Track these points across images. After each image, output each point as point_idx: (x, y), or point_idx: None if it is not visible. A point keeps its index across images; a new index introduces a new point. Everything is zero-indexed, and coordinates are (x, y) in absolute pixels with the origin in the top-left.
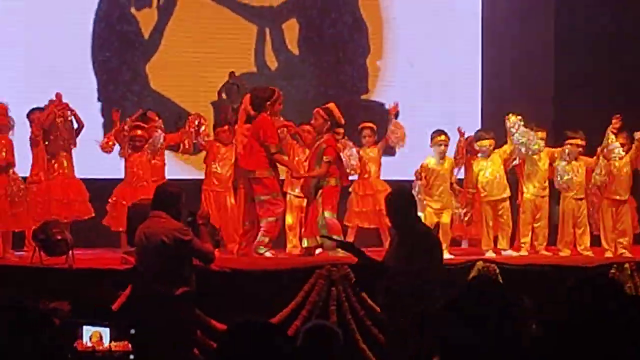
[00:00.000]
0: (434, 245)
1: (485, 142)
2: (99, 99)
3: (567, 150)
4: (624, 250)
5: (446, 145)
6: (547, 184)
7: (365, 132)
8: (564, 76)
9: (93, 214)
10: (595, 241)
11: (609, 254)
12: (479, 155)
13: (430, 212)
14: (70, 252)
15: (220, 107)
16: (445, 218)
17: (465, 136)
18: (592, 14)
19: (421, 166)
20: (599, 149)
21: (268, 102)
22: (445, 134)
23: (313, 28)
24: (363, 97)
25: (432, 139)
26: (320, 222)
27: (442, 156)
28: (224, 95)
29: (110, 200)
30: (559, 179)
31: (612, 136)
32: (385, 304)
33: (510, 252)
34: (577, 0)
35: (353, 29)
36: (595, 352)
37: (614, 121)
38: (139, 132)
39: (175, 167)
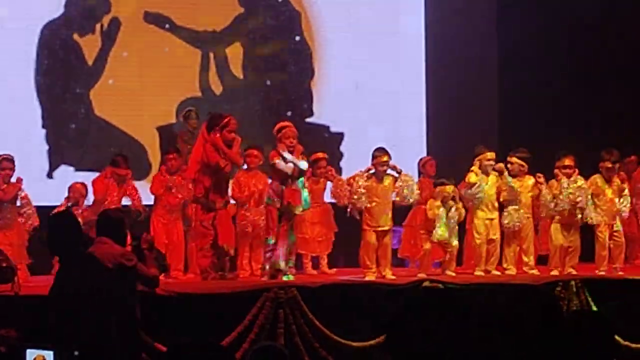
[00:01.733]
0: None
1: (448, 189)
2: (43, 126)
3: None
4: (571, 269)
5: (387, 165)
6: (497, 205)
7: (321, 164)
8: (509, 95)
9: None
10: (540, 260)
11: (554, 272)
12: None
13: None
14: (16, 278)
15: (178, 132)
16: (387, 238)
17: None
18: (534, 31)
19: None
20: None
21: (217, 127)
22: (388, 153)
23: (256, 52)
24: (308, 120)
25: (373, 157)
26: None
27: (382, 176)
28: (181, 119)
29: None
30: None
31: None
32: None
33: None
34: (516, 19)
35: (296, 52)
36: None
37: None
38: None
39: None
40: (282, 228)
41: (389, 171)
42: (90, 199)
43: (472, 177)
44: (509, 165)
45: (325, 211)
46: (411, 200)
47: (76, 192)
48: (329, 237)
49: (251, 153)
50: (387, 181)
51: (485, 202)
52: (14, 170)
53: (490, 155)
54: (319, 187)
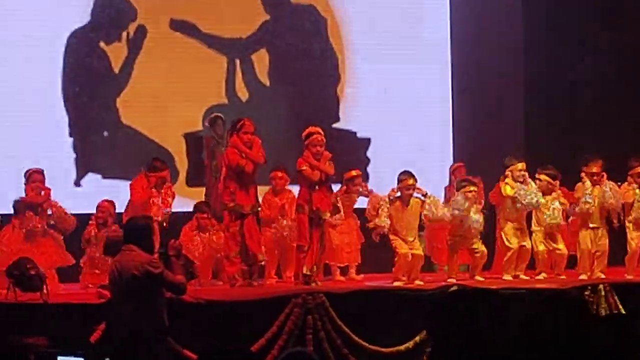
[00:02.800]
0: None
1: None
2: (70, 135)
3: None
4: (600, 273)
5: (414, 189)
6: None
7: (356, 181)
8: (535, 99)
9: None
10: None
11: (583, 277)
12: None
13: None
14: (45, 287)
15: (205, 138)
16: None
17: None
18: (561, 34)
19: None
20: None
21: (235, 130)
22: (414, 177)
23: (283, 58)
24: (334, 125)
25: (399, 181)
26: None
27: (408, 200)
28: (207, 124)
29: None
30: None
31: (587, 182)
32: None
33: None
34: (542, 22)
35: (322, 58)
36: None
37: (594, 169)
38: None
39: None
40: (314, 234)
41: (415, 194)
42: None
43: (507, 190)
44: (537, 182)
45: (352, 222)
46: (440, 215)
47: (105, 211)
48: (356, 248)
49: (276, 175)
50: (413, 204)
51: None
52: (44, 183)
53: (521, 166)
54: (351, 202)
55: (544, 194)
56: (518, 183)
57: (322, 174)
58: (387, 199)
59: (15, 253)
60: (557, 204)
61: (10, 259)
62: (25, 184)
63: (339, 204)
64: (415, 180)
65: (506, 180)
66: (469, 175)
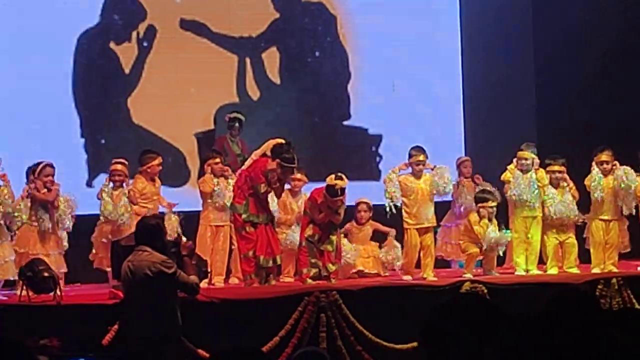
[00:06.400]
0: None
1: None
2: (82, 135)
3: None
4: (611, 267)
5: (424, 165)
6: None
7: (360, 207)
8: (546, 93)
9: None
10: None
11: (596, 270)
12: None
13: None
14: (58, 288)
15: (217, 137)
16: (429, 238)
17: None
18: (571, 26)
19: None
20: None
21: (279, 161)
22: (424, 152)
23: (293, 56)
24: (345, 123)
25: (410, 156)
26: None
27: (420, 175)
28: (226, 119)
29: (92, 239)
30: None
31: (596, 168)
32: None
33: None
34: (554, 14)
35: (333, 56)
36: None
37: (603, 157)
38: (119, 167)
39: (173, 196)
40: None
41: (426, 171)
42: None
43: (507, 175)
44: (552, 175)
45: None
46: (446, 191)
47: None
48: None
49: (294, 177)
50: (425, 179)
51: (526, 200)
52: (54, 177)
53: (527, 154)
54: (365, 234)
55: (553, 185)
56: (517, 171)
57: (328, 219)
58: (397, 170)
59: (25, 255)
60: (569, 196)
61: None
62: (35, 178)
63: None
64: (426, 156)
65: (509, 166)
66: (476, 169)
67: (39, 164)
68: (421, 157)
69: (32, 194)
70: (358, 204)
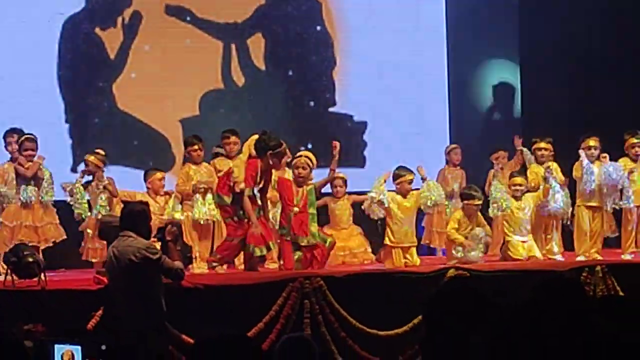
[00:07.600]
0: None
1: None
2: (66, 121)
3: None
4: (596, 255)
5: (410, 183)
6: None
7: (336, 182)
8: (532, 79)
9: (65, 236)
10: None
11: (580, 258)
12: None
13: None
14: (42, 273)
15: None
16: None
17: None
18: (557, 15)
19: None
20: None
21: (270, 152)
22: (411, 172)
23: (278, 43)
24: (331, 109)
25: (396, 177)
26: None
27: (406, 194)
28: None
29: (80, 229)
30: None
31: (582, 154)
32: None
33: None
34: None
35: (318, 42)
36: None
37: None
38: (91, 157)
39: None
40: None
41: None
42: None
43: None
44: (537, 152)
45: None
46: (438, 204)
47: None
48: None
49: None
50: (411, 199)
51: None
52: (36, 150)
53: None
54: (342, 207)
55: (541, 164)
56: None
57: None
58: (382, 181)
59: (17, 227)
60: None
61: (12, 234)
62: (20, 154)
63: None
64: (413, 174)
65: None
66: (464, 157)
67: (18, 139)
68: (411, 177)
69: (15, 168)
70: (334, 179)
